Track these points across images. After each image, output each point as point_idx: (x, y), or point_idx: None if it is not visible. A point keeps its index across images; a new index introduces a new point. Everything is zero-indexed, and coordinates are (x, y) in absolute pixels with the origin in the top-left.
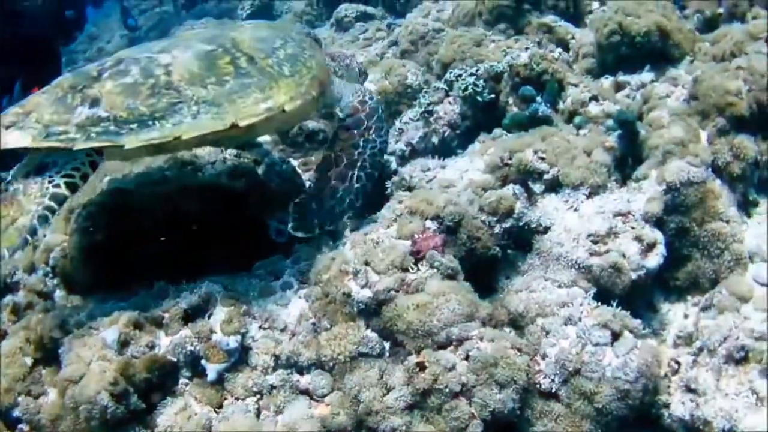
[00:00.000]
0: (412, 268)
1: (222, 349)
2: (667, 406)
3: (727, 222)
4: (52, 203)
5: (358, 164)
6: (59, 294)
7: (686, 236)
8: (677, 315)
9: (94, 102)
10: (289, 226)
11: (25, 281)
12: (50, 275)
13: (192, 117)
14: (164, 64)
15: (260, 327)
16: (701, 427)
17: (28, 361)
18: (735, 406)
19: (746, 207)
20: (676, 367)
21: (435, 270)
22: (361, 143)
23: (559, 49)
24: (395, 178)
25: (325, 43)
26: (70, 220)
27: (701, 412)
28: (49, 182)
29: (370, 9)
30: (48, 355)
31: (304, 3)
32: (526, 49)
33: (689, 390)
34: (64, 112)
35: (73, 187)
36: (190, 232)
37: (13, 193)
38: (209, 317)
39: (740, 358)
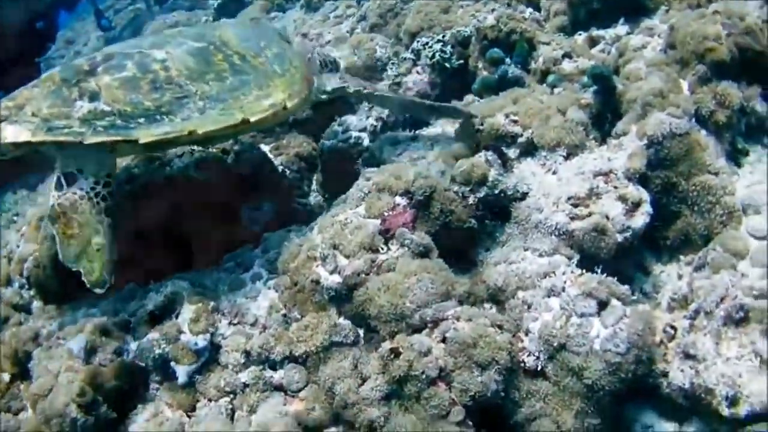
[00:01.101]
0: (383, 249)
1: (191, 349)
2: (665, 374)
3: (716, 174)
4: (110, 219)
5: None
6: (36, 305)
7: (673, 192)
8: (671, 276)
9: (93, 96)
10: None
11: (1, 295)
12: (26, 287)
13: (199, 112)
14: (160, 59)
15: (230, 323)
16: (703, 395)
17: (6, 377)
18: (737, 371)
19: (735, 157)
20: (672, 332)
21: (406, 248)
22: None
23: (530, 9)
24: (365, 155)
25: (296, 24)
26: (40, 228)
27: (702, 379)
28: (96, 195)
29: None
30: (24, 369)
31: None
32: (493, 11)
33: (688, 356)
34: (62, 105)
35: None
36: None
37: (60, 210)
38: (177, 317)
39: (740, 318)
